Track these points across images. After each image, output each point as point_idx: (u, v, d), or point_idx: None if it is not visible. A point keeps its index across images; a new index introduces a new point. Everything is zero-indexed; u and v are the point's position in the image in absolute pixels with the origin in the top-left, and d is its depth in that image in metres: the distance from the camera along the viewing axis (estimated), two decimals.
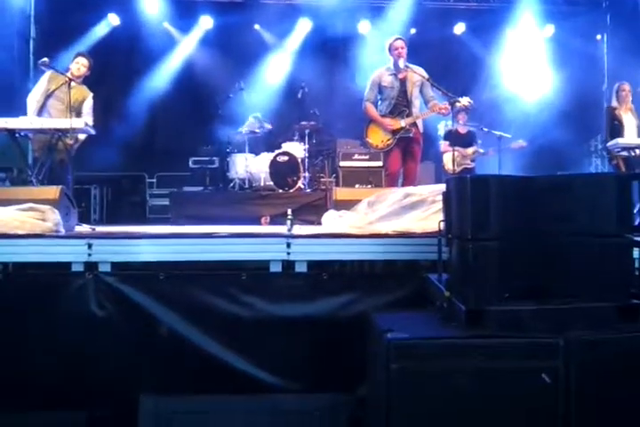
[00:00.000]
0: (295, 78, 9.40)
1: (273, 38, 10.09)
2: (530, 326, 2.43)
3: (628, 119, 6.38)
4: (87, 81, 5.80)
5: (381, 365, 2.44)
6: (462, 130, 7.84)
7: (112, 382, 3.14)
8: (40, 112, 5.48)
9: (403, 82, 5.77)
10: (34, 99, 5.56)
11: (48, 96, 5.52)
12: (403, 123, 5.70)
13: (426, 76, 5.70)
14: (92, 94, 5.70)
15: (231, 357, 3.18)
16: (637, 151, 5.67)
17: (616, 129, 6.27)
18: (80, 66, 5.59)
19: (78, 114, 5.48)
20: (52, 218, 3.63)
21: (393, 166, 5.82)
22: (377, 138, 5.80)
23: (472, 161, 7.81)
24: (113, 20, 9.45)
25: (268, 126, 8.57)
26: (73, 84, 5.21)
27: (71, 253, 3.26)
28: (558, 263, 2.58)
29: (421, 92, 5.82)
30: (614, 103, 6.49)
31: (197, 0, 9.70)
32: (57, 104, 5.51)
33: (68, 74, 5.39)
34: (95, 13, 9.29)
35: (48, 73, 5.56)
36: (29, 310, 3.15)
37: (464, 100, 5.40)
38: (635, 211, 2.63)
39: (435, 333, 2.52)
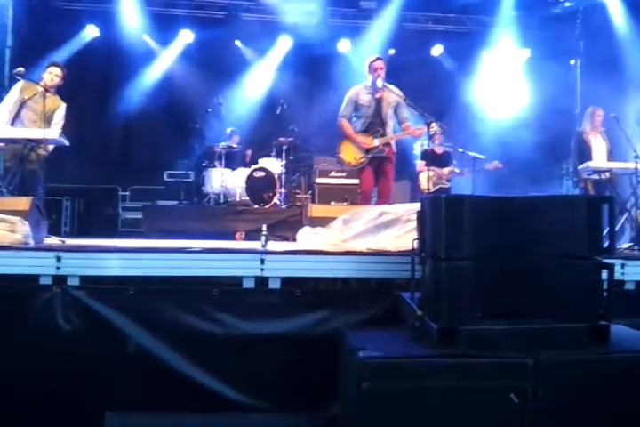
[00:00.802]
0: (274, 95, 9.45)
1: (253, 54, 10.14)
2: (501, 345, 2.44)
3: (597, 143, 6.50)
4: (62, 91, 5.73)
5: (353, 383, 2.42)
6: (438, 150, 7.91)
7: (79, 397, 3.08)
8: (13, 122, 5.39)
9: (379, 101, 5.80)
10: (5, 109, 5.44)
11: (21, 106, 5.42)
12: (376, 142, 5.72)
13: (402, 96, 5.72)
14: (64, 104, 5.59)
15: (201, 374, 3.14)
16: (607, 175, 5.78)
17: (584, 153, 6.37)
18: (53, 76, 5.49)
19: (49, 123, 5.41)
20: (22, 229, 3.58)
21: (366, 185, 5.83)
22: (350, 155, 5.80)
23: (448, 181, 7.88)
24: (92, 31, 9.40)
25: (235, 142, 8.59)
26: (47, 94, 5.14)
27: (39, 265, 3.21)
28: (530, 284, 2.60)
29: (396, 112, 5.86)
30: (585, 127, 6.61)
31: (178, 14, 9.72)
32: (30, 114, 5.42)
33: (42, 83, 5.33)
34: (74, 24, 9.22)
35: (20, 83, 5.47)
36: None
37: (434, 127, 5.48)
38: (604, 233, 2.66)
39: (406, 351, 2.52)
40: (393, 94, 5.74)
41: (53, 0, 9.28)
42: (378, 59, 5.86)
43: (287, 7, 9.35)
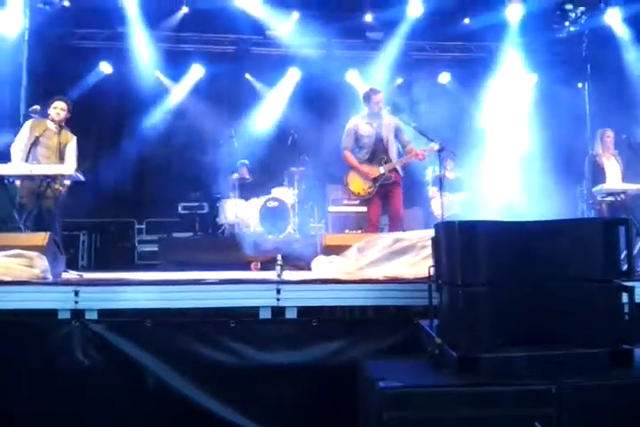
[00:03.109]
0: (285, 125, 9.56)
1: (263, 87, 10.32)
2: (522, 372, 2.41)
3: (610, 165, 6.50)
4: (71, 124, 5.76)
5: (373, 413, 2.39)
6: (450, 176, 7.91)
7: None
8: (27, 160, 5.42)
9: (378, 129, 5.86)
10: (18, 148, 5.49)
11: (33, 144, 5.45)
12: (382, 170, 5.76)
13: (399, 121, 5.81)
14: (75, 138, 5.65)
15: (218, 406, 3.11)
16: (623, 196, 5.75)
17: (598, 175, 6.37)
18: (59, 110, 5.54)
19: (62, 158, 5.47)
20: (40, 264, 3.61)
21: (373, 215, 5.83)
22: (358, 186, 5.85)
23: (460, 206, 7.86)
24: (105, 68, 9.63)
25: (244, 174, 8.66)
26: (58, 128, 5.20)
27: (58, 300, 3.22)
28: (549, 309, 2.57)
29: (397, 137, 5.91)
30: (597, 150, 6.61)
31: (189, 49, 9.95)
32: (43, 151, 5.46)
33: (49, 119, 5.42)
34: (88, 62, 9.47)
35: (29, 121, 5.54)
36: (14, 358, 3.09)
37: (434, 146, 5.52)
38: (622, 256, 2.63)
39: (427, 381, 2.48)
40: (391, 120, 5.84)
41: (67, 39, 9.54)
42: (377, 91, 5.98)
43: (295, 40, 9.54)
